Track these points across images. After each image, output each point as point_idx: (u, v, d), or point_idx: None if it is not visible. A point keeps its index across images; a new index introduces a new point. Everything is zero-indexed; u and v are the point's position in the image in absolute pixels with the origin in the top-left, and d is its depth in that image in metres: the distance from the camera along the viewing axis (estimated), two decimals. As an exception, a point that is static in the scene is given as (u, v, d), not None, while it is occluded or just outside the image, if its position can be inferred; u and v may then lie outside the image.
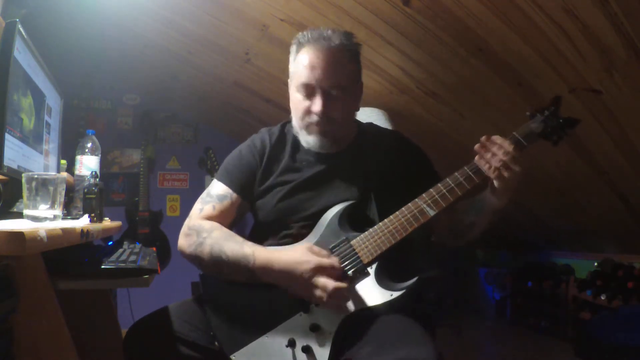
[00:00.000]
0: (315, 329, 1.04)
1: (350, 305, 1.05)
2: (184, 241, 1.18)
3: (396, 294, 1.05)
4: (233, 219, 1.24)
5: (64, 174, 1.62)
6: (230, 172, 1.25)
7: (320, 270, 1.03)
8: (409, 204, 1.12)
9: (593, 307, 2.98)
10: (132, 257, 1.21)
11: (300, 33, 1.22)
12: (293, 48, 1.23)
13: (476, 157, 1.10)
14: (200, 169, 3.86)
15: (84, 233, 1.04)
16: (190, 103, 3.81)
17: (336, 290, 1.01)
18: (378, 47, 2.14)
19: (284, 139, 1.29)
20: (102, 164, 1.70)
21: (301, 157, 1.25)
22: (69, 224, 1.13)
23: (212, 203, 1.22)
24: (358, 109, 1.28)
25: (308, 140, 1.22)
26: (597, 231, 3.10)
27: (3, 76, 1.10)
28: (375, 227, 1.12)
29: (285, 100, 1.30)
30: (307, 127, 1.20)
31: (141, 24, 2.67)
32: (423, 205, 1.11)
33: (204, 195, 1.25)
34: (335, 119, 1.18)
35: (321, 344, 1.03)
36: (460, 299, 4.37)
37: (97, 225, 1.27)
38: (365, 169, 1.21)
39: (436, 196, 1.11)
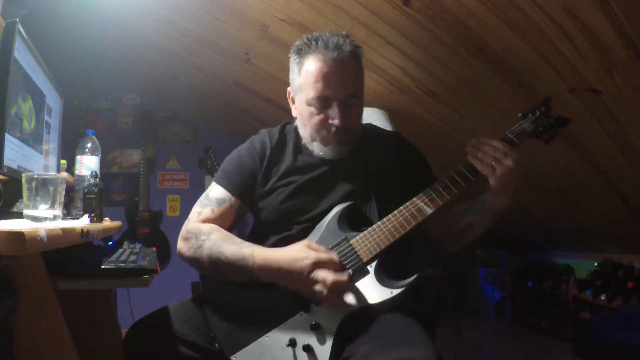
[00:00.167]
0: (315, 328, 1.04)
1: (351, 304, 1.05)
2: (183, 244, 1.18)
3: (396, 292, 1.05)
4: (232, 221, 1.24)
5: (64, 174, 1.62)
6: (229, 175, 1.24)
7: (319, 264, 1.03)
8: (407, 203, 1.12)
9: (593, 307, 2.98)
10: (132, 257, 1.21)
11: (299, 41, 1.20)
12: (295, 57, 1.20)
13: (468, 156, 1.10)
14: (200, 169, 3.86)
15: (84, 233, 1.04)
16: (190, 103, 3.81)
17: (336, 282, 1.01)
18: (378, 47, 2.14)
19: (285, 140, 1.29)
20: (102, 164, 1.70)
21: (303, 159, 1.25)
22: (69, 224, 1.13)
23: (210, 206, 1.22)
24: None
25: (324, 150, 1.20)
26: (597, 231, 3.10)
27: (3, 76, 1.10)
28: (374, 226, 1.12)
29: (285, 100, 1.29)
30: (324, 139, 1.19)
31: (141, 24, 2.68)
32: (420, 204, 1.11)
33: (202, 198, 1.24)
34: (352, 127, 1.19)
35: (322, 343, 1.03)
36: (460, 299, 4.37)
37: (97, 225, 1.27)
38: (366, 170, 1.22)
39: (433, 195, 1.12)
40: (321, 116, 1.16)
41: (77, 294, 1.32)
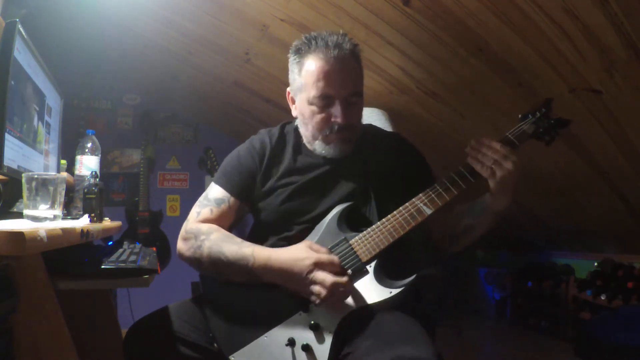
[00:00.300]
0: (315, 328, 1.04)
1: (350, 303, 1.05)
2: (183, 245, 1.18)
3: (395, 292, 1.05)
4: (231, 221, 1.24)
5: (64, 174, 1.62)
6: (228, 175, 1.24)
7: (319, 265, 1.03)
8: (407, 204, 1.12)
9: (593, 307, 2.98)
10: (132, 257, 1.21)
11: (298, 41, 1.20)
12: (294, 57, 1.20)
13: (468, 158, 1.10)
14: (200, 169, 3.86)
15: (84, 233, 1.04)
16: (190, 103, 3.81)
17: (335, 284, 1.01)
18: (378, 47, 2.14)
19: (284, 140, 1.29)
20: (102, 164, 1.70)
21: (303, 159, 1.25)
22: (69, 224, 1.13)
23: (209, 207, 1.22)
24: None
25: (326, 149, 1.21)
26: (597, 231, 3.10)
27: (3, 76, 1.10)
28: (374, 226, 1.12)
29: (285, 100, 1.29)
30: (326, 138, 1.19)
31: (141, 24, 2.68)
32: (420, 205, 1.11)
33: (201, 198, 1.24)
34: (355, 125, 1.19)
35: (321, 343, 1.03)
36: (460, 299, 4.37)
37: (97, 225, 1.27)
38: (366, 170, 1.22)
39: (433, 195, 1.12)
40: (323, 115, 1.17)
41: (77, 294, 1.31)
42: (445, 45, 2.01)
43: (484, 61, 2.03)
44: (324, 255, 1.05)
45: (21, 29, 1.20)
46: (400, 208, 1.12)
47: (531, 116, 1.15)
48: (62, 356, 0.93)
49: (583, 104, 2.01)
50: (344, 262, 1.08)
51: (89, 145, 1.57)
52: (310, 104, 1.17)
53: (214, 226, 1.18)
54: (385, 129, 1.60)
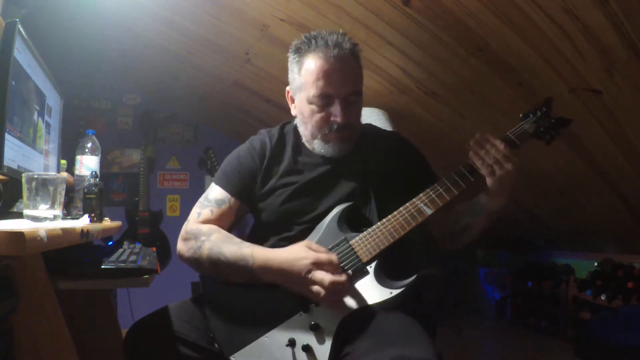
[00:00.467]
0: (315, 329, 1.04)
1: (350, 304, 1.05)
2: (183, 245, 1.18)
3: (395, 292, 1.05)
4: (232, 222, 1.24)
5: (64, 174, 1.62)
6: (228, 175, 1.24)
7: (318, 265, 1.03)
8: (407, 204, 1.13)
9: (593, 307, 2.98)
10: (132, 257, 1.21)
11: (297, 40, 1.20)
12: (294, 56, 1.20)
13: (470, 153, 1.10)
14: (200, 169, 3.86)
15: (84, 233, 1.04)
16: (190, 103, 3.81)
17: (333, 284, 1.01)
18: (378, 47, 2.14)
19: (284, 140, 1.29)
20: (102, 164, 1.70)
21: (303, 160, 1.25)
22: (69, 224, 1.13)
23: (210, 207, 1.21)
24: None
25: (325, 148, 1.20)
26: (597, 231, 3.10)
27: (3, 76, 1.10)
28: (374, 226, 1.12)
29: (285, 100, 1.29)
30: (325, 137, 1.19)
31: (141, 24, 2.68)
32: (420, 205, 1.11)
33: (202, 199, 1.24)
34: (354, 125, 1.19)
35: (321, 343, 1.03)
36: (460, 299, 4.37)
37: (97, 225, 1.27)
38: (365, 170, 1.22)
39: (433, 195, 1.12)
40: (323, 114, 1.17)
41: (77, 294, 1.31)
42: (445, 45, 2.01)
43: (484, 61, 2.03)
44: (323, 255, 1.05)
45: (21, 29, 1.20)
46: (401, 208, 1.12)
47: (532, 115, 1.16)
48: (62, 356, 0.93)
49: (583, 104, 2.01)
50: (344, 263, 1.08)
51: (89, 145, 1.57)
52: (310, 103, 1.17)
53: (214, 227, 1.18)
54: (385, 129, 1.60)
